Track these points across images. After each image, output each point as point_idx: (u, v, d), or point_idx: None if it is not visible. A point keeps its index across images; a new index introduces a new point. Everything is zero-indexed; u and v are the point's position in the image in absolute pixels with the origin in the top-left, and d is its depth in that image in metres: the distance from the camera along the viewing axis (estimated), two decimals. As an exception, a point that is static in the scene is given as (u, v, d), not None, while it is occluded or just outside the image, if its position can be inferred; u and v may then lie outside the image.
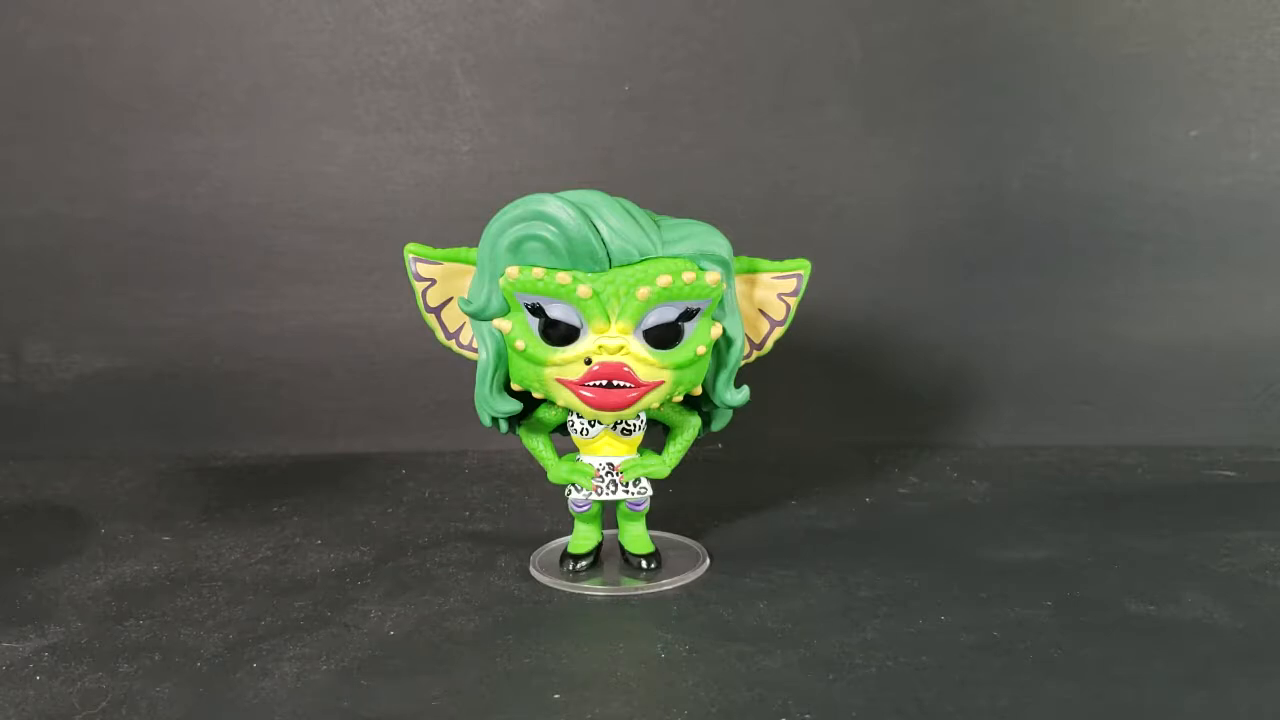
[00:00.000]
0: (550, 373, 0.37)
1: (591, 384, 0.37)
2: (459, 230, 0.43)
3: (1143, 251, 0.65)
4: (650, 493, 0.42)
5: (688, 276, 0.37)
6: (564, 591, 0.41)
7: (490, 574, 0.43)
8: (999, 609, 0.38)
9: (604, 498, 0.42)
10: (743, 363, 0.41)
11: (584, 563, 0.43)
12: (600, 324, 0.37)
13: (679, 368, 0.38)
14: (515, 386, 0.39)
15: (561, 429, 0.42)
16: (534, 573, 0.43)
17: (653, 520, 0.44)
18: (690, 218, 0.38)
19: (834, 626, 0.37)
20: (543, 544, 0.46)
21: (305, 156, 0.65)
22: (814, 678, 0.33)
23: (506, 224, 0.37)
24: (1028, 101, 0.64)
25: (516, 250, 0.37)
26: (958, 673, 0.33)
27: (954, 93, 0.64)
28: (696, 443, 0.43)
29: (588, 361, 0.37)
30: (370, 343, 0.65)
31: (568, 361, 0.37)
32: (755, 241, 0.43)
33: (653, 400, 0.38)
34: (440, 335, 0.41)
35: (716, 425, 0.43)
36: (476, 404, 0.40)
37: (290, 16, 0.64)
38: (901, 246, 0.66)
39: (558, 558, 0.44)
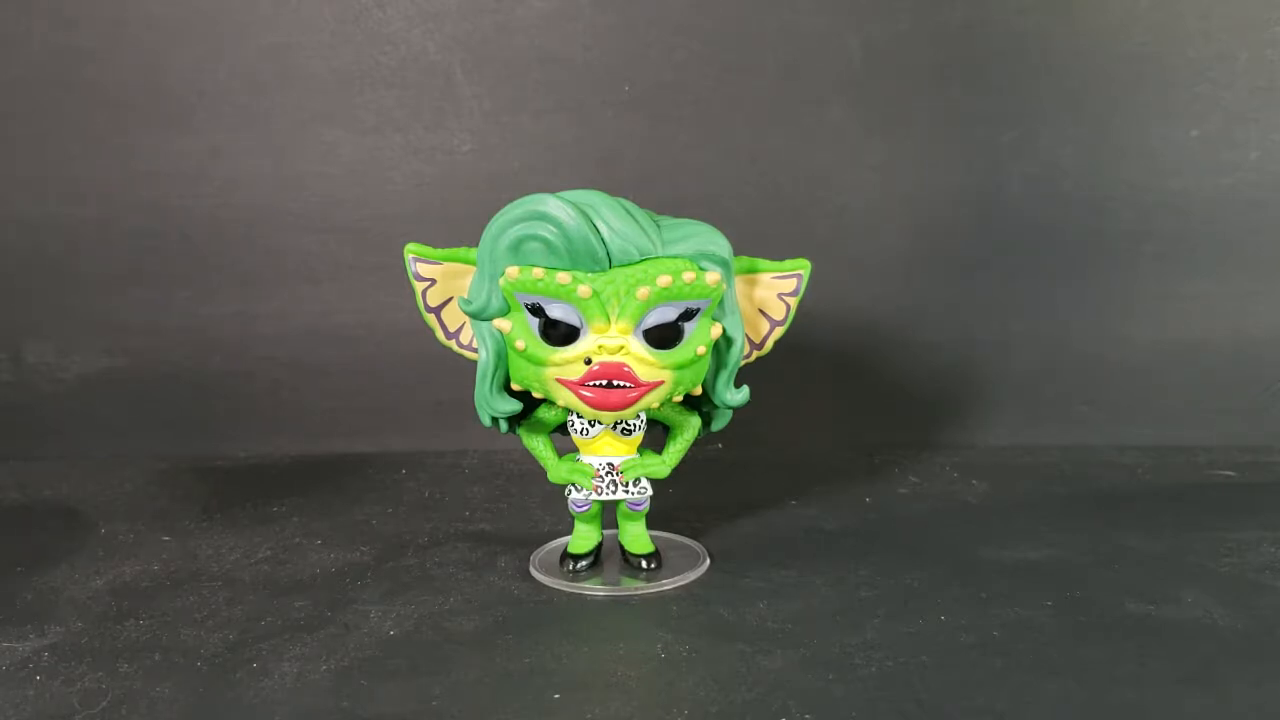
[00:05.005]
0: (550, 373, 0.37)
1: (591, 384, 0.37)
2: (459, 230, 0.43)
3: (1143, 251, 0.65)
4: (650, 493, 0.42)
5: (688, 276, 0.37)
6: (564, 591, 0.41)
7: (490, 574, 0.43)
8: (999, 609, 0.38)
9: (604, 498, 0.42)
10: (743, 363, 0.41)
11: (584, 563, 0.43)
12: (600, 324, 0.37)
13: (679, 368, 0.38)
14: (515, 386, 0.39)
15: (561, 429, 0.42)
16: (534, 573, 0.43)
17: (653, 520, 0.44)
18: (690, 218, 0.38)
19: (834, 626, 0.37)
20: (543, 544, 0.46)
21: (305, 156, 0.65)
22: (814, 678, 0.33)
23: (506, 224, 0.37)
24: (1028, 101, 0.64)
25: (516, 250, 0.37)
26: (958, 673, 0.33)
27: (954, 93, 0.64)
28: (696, 443, 0.43)
29: (588, 361, 0.37)
30: (370, 343, 0.65)
31: (568, 361, 0.37)
32: (755, 241, 0.43)
33: (653, 400, 0.38)
34: (440, 335, 0.41)
35: (716, 425, 0.43)
36: (476, 404, 0.40)
37: (290, 16, 0.64)
38: (901, 246, 0.66)
39: (558, 558, 0.44)
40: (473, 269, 0.39)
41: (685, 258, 0.37)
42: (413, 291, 0.40)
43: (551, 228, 0.36)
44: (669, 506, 0.50)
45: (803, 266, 0.42)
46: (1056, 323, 0.66)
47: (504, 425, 0.41)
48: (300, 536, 0.48)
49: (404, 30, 0.64)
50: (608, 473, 0.41)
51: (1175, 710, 0.31)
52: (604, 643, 0.36)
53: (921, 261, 0.66)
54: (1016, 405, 0.65)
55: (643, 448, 0.42)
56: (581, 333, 0.37)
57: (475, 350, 0.40)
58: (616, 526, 0.44)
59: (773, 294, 0.42)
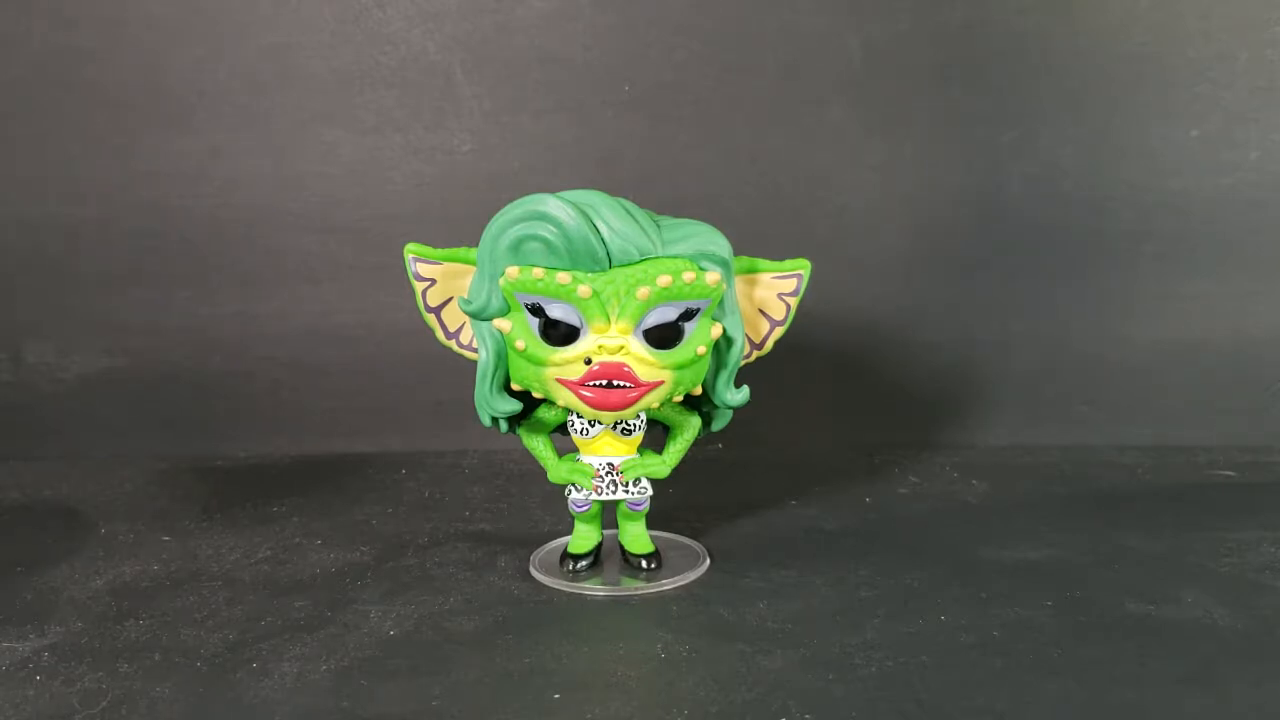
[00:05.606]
0: (550, 373, 0.37)
1: (591, 384, 0.37)
2: (459, 230, 0.43)
3: (1143, 251, 0.65)
4: (650, 493, 0.42)
5: (688, 276, 0.37)
6: (564, 591, 0.41)
7: (490, 574, 0.43)
8: (999, 609, 0.38)
9: (604, 498, 0.42)
10: (743, 363, 0.41)
11: (584, 563, 0.43)
12: (600, 324, 0.37)
13: (679, 368, 0.38)
14: (515, 386, 0.39)
15: (561, 429, 0.42)
16: (534, 573, 0.43)
17: (653, 520, 0.44)
18: (690, 218, 0.38)
19: (834, 626, 0.37)
20: (543, 544, 0.46)
21: (305, 156, 0.65)
22: (814, 678, 0.33)
23: (506, 224, 0.37)
24: (1028, 101, 0.64)
25: (516, 250, 0.37)
26: (958, 673, 0.33)
27: (954, 93, 0.64)
28: (696, 443, 0.43)
29: (588, 361, 0.37)
30: (370, 343, 0.65)
31: (568, 361, 0.37)
32: (755, 241, 0.43)
33: (653, 400, 0.38)
34: (440, 335, 0.41)
35: (716, 425, 0.43)
36: (476, 404, 0.40)
37: (290, 16, 0.64)
38: (901, 246, 0.66)
39: (558, 558, 0.44)
40: (473, 269, 0.39)
41: (685, 258, 0.37)
42: (413, 291, 0.40)
43: (551, 228, 0.36)
44: (669, 506, 0.50)
45: (803, 266, 0.42)
46: (1056, 323, 0.66)
47: (504, 425, 0.41)
48: (300, 536, 0.48)
49: (404, 30, 0.64)
50: (608, 473, 0.41)
51: (1175, 710, 0.31)
52: (604, 643, 0.36)
53: (921, 261, 0.66)
54: (1016, 405, 0.65)
55: (643, 448, 0.42)
56: (581, 333, 0.37)
57: (475, 350, 0.40)
58: (616, 526, 0.44)
59: (773, 294, 0.42)
